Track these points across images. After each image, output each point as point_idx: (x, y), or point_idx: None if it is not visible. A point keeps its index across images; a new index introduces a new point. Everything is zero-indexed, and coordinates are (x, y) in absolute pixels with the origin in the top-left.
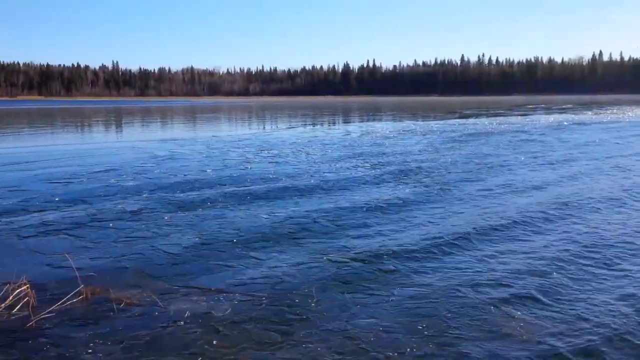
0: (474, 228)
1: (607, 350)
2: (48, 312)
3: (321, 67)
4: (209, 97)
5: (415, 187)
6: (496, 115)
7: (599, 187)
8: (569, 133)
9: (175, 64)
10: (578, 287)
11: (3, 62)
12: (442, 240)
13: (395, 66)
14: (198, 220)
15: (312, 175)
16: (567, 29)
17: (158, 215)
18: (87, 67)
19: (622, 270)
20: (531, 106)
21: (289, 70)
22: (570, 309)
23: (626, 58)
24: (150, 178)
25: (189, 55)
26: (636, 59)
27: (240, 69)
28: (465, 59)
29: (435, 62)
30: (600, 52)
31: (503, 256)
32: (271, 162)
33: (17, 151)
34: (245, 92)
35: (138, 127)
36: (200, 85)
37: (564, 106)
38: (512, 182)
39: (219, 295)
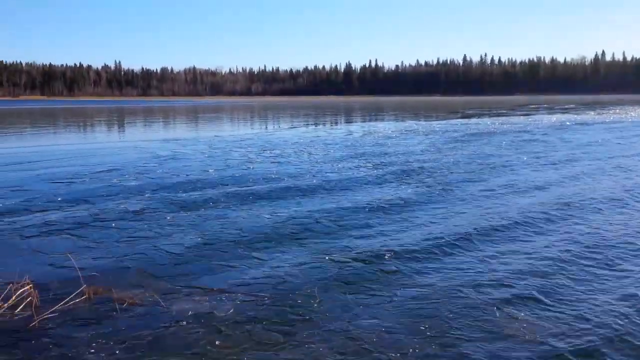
0: (476, 228)
1: (608, 351)
2: (51, 312)
3: (323, 67)
4: (212, 97)
5: (417, 187)
6: (498, 115)
7: (601, 188)
8: (572, 133)
9: (178, 64)
10: (580, 288)
11: (6, 62)
12: (444, 240)
13: (397, 66)
14: (200, 220)
15: (314, 175)
16: (567, 29)
17: (160, 215)
18: (89, 66)
19: (623, 270)
20: (534, 106)
21: (291, 70)
22: (572, 310)
23: (629, 58)
24: (152, 178)
25: (191, 55)
26: (639, 59)
27: (242, 68)
28: (468, 58)
29: (438, 62)
30: (603, 52)
31: (505, 257)
32: (273, 162)
33: (19, 151)
34: (247, 92)
35: (140, 127)
36: (202, 85)
37: (566, 106)
38: (514, 183)
39: (221, 296)
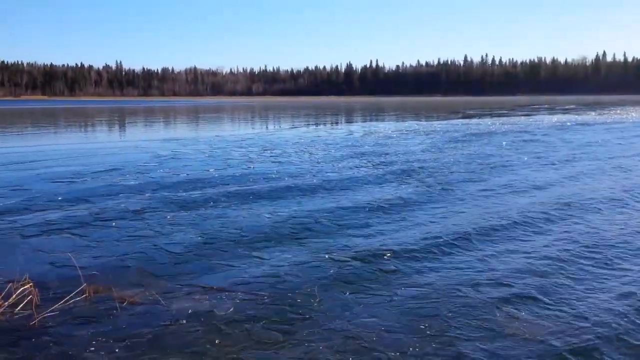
0: (476, 228)
1: (607, 350)
2: (51, 311)
3: (324, 67)
4: (212, 97)
5: (417, 187)
6: (499, 115)
7: (600, 188)
8: (572, 133)
9: (179, 64)
10: (579, 287)
11: (7, 62)
12: (444, 240)
13: (398, 66)
14: (201, 219)
15: (314, 175)
16: (567, 29)
17: (161, 215)
18: (90, 67)
19: (622, 270)
20: (534, 106)
21: (291, 70)
22: (572, 309)
23: (630, 58)
24: (153, 177)
25: (192, 56)
26: None
27: (243, 69)
28: (469, 59)
29: (438, 62)
30: (604, 52)
31: (504, 256)
32: (274, 162)
33: (20, 150)
34: (248, 92)
35: (141, 127)
36: (203, 85)
37: (567, 107)
38: (514, 182)
39: (221, 294)
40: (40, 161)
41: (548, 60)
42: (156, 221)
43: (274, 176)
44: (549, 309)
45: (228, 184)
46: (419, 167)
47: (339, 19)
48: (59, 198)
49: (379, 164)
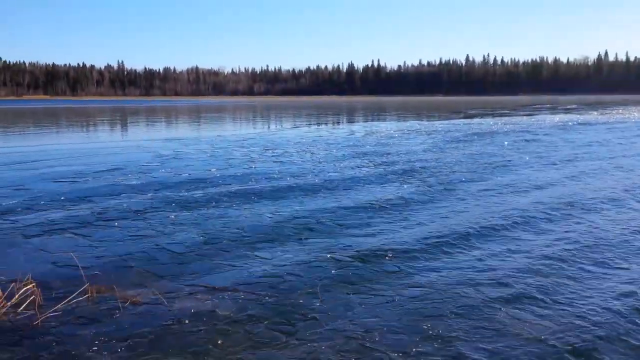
0: (478, 228)
1: (608, 351)
2: (54, 311)
3: (325, 67)
4: (214, 97)
5: (419, 186)
6: (501, 115)
7: (602, 188)
8: (574, 133)
9: (180, 63)
10: (580, 287)
11: (9, 61)
12: (446, 240)
13: (399, 66)
14: (203, 219)
15: (316, 175)
16: (567, 29)
17: (163, 214)
18: (92, 66)
19: (623, 269)
20: (536, 106)
21: (293, 70)
22: (573, 309)
23: (632, 58)
24: (155, 177)
25: (194, 55)
26: None
27: (244, 68)
28: (470, 58)
29: (440, 62)
30: (606, 52)
31: (506, 256)
32: (276, 162)
33: (22, 150)
34: (249, 92)
35: (143, 127)
36: (205, 85)
37: (569, 106)
38: (516, 182)
39: (223, 294)
40: (42, 161)
41: (550, 60)
42: (158, 221)
43: (275, 176)
44: (550, 308)
45: (230, 184)
46: (421, 167)
47: (339, 19)
48: (61, 198)
49: (380, 164)
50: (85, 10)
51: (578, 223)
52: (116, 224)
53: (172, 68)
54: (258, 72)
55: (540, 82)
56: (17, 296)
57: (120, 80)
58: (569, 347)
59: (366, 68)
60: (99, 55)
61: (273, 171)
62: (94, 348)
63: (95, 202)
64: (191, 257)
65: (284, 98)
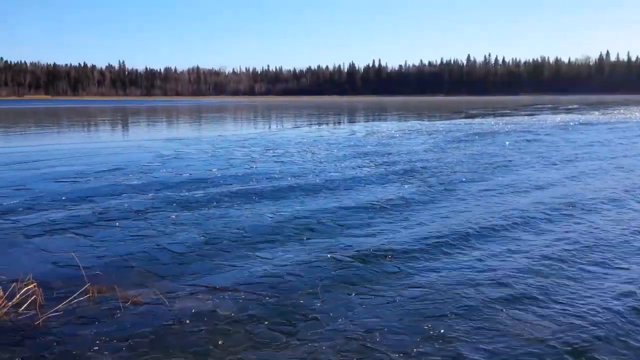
0: (478, 228)
1: (609, 351)
2: (55, 311)
3: (327, 67)
4: (215, 97)
5: (420, 187)
6: (502, 115)
7: (602, 188)
8: (575, 133)
9: (181, 63)
10: (581, 288)
11: (10, 61)
12: (446, 240)
13: (400, 66)
14: (204, 219)
15: (317, 175)
16: (567, 29)
17: (164, 214)
18: (93, 66)
19: (624, 270)
20: (538, 106)
21: (294, 70)
22: (573, 309)
23: (633, 58)
24: (156, 177)
25: (193, 56)
26: None
27: (245, 68)
28: (471, 58)
29: (441, 62)
30: (608, 52)
31: (507, 256)
32: (277, 162)
33: (23, 150)
34: (250, 92)
35: (144, 127)
36: (206, 85)
37: (570, 106)
38: (516, 183)
39: (224, 294)
40: (43, 161)
41: (551, 59)
42: (159, 221)
43: (276, 176)
44: (550, 309)
45: (231, 184)
46: (422, 167)
47: (338, 19)
48: (62, 198)
49: (381, 164)
50: (86, 10)
51: (578, 223)
52: (117, 224)
53: (173, 68)
54: (259, 72)
55: (541, 82)
56: (18, 296)
57: (122, 80)
58: (569, 348)
59: (367, 68)
60: (100, 55)
61: (274, 171)
62: (95, 348)
63: (97, 202)
64: (192, 257)
65: (285, 98)
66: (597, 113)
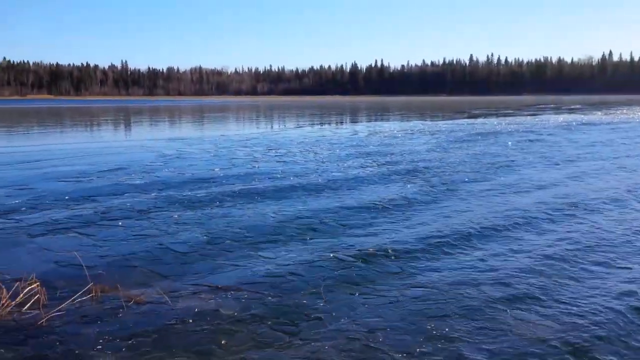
0: (480, 228)
1: (610, 351)
2: (58, 310)
3: (329, 67)
4: (217, 97)
5: (422, 187)
6: (505, 115)
7: (604, 188)
8: (578, 133)
9: (184, 63)
10: (583, 287)
11: (13, 61)
12: (449, 240)
13: (403, 66)
14: (206, 218)
15: (319, 175)
16: (567, 29)
17: (166, 214)
18: (96, 66)
19: (625, 270)
20: (540, 106)
21: (296, 70)
22: (575, 309)
23: (636, 58)
24: (158, 177)
25: (195, 56)
26: None
27: (248, 68)
28: (474, 58)
29: (444, 61)
30: (610, 52)
31: (509, 256)
32: (279, 162)
33: (26, 150)
34: (253, 92)
35: (146, 126)
36: (208, 85)
37: (573, 106)
38: (519, 183)
39: (227, 294)
40: (46, 160)
41: (554, 59)
42: (162, 220)
43: (279, 176)
44: (553, 309)
45: (233, 184)
46: (424, 167)
47: (338, 19)
48: (65, 197)
49: (384, 164)
50: (88, 10)
51: (581, 223)
52: (120, 223)
53: (175, 68)
54: (261, 72)
55: (544, 82)
56: (21, 295)
57: (124, 80)
58: (572, 348)
59: (369, 68)
60: (102, 55)
61: (276, 171)
62: (98, 347)
63: (99, 201)
64: (195, 256)
65: (287, 98)
66: (599, 113)
